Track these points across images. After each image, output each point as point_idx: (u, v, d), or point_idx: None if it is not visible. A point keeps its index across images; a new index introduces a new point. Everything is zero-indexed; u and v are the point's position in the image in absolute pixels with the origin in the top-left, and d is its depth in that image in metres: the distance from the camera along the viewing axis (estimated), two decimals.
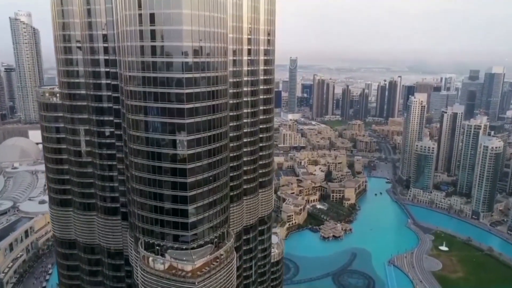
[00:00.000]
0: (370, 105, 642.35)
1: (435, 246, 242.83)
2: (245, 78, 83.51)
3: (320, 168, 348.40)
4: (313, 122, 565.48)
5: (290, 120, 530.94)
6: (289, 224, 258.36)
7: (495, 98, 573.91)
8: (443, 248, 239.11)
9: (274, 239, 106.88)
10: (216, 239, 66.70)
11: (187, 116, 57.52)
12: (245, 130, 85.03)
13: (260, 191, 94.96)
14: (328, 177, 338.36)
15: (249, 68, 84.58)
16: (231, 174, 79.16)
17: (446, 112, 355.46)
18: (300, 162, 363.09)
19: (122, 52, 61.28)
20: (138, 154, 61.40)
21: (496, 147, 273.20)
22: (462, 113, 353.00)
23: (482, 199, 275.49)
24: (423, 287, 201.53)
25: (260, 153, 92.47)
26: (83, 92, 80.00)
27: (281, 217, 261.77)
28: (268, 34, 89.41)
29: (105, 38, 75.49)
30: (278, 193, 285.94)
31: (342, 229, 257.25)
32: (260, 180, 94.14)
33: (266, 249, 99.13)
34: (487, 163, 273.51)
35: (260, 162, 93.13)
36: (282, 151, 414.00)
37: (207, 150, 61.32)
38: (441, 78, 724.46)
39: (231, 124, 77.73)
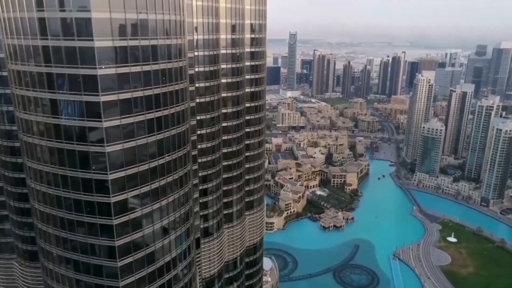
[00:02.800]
0: (372, 81, 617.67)
1: (443, 237, 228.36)
2: (223, 66, 59.01)
3: (320, 150, 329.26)
4: (313, 100, 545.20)
5: (289, 97, 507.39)
6: (287, 213, 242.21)
7: (503, 75, 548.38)
8: (452, 239, 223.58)
9: (267, 263, 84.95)
10: None
11: (108, 141, 33.71)
12: (224, 138, 61.33)
13: (247, 213, 72.38)
14: (329, 160, 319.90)
15: (229, 51, 59.81)
16: (205, 200, 57.02)
17: (454, 91, 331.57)
18: (300, 144, 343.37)
19: (5, 30, 36.54)
20: (41, 198, 38.32)
21: (510, 130, 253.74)
22: (472, 92, 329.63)
23: (492, 185, 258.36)
24: (431, 284, 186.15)
25: (247, 165, 69.16)
26: None
27: (279, 205, 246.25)
28: (257, 3, 64.45)
29: None
30: (276, 178, 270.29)
31: (343, 218, 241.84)
32: (247, 199, 71.27)
33: (255, 284, 77.20)
34: (499, 147, 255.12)
35: (247, 177, 69.91)
36: (280, 131, 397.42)
37: (148, 191, 37.45)
38: (446, 54, 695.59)
39: (204, 131, 54.86)
